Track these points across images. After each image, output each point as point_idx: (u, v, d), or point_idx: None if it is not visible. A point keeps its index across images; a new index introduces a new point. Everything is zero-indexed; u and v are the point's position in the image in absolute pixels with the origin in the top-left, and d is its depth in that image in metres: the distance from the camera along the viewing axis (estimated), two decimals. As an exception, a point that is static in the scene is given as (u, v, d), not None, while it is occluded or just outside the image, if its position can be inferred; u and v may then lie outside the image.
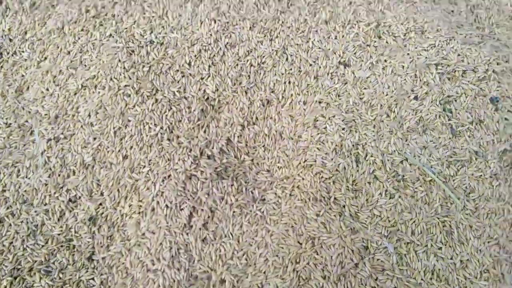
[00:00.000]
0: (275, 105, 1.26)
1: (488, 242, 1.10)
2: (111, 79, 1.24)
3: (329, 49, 1.30)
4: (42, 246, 1.11)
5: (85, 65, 1.28)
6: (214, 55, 1.29)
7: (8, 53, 1.37)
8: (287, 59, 1.30)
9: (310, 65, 1.29)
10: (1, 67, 1.35)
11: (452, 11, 1.40)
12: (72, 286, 1.09)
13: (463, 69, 1.24)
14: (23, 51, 1.36)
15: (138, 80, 1.24)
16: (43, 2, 1.41)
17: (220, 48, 1.30)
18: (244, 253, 1.10)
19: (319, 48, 1.30)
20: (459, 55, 1.26)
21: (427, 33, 1.29)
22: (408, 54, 1.27)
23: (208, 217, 1.12)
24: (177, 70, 1.27)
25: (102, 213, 1.14)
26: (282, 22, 1.34)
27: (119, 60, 1.26)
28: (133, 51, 1.28)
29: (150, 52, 1.28)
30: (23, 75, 1.33)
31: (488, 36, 1.37)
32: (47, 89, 1.28)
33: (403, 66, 1.26)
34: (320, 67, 1.29)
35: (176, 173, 1.14)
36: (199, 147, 1.19)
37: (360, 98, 1.24)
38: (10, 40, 1.39)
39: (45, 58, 1.33)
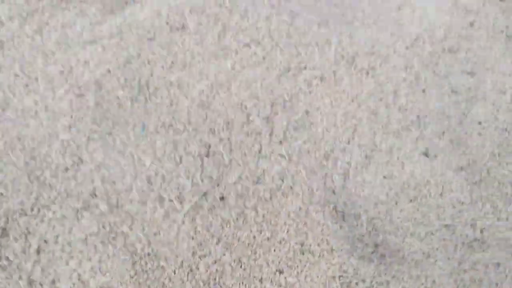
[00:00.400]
0: (231, 301, 1.87)
1: None
2: (121, 283, 1.83)
3: (269, 259, 1.93)
4: None
5: (102, 273, 1.87)
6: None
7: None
8: (241, 266, 1.92)
9: (257, 271, 1.91)
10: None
11: (356, 224, 2.06)
12: None
13: (356, 281, 1.88)
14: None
15: (139, 286, 1.83)
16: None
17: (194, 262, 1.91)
18: None
19: (263, 259, 1.93)
20: (354, 269, 1.90)
21: (334, 252, 1.93)
22: (321, 268, 1.91)
23: None
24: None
25: None
26: (239, 238, 1.96)
27: (126, 269, 1.86)
28: (135, 262, 1.88)
29: (148, 263, 1.88)
30: (55, 270, 1.90)
31: (380, 244, 2.03)
32: (73, 284, 1.86)
33: (317, 276, 1.89)
34: (262, 273, 1.91)
35: None
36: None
37: (288, 299, 1.86)
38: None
39: (72, 258, 1.91)
